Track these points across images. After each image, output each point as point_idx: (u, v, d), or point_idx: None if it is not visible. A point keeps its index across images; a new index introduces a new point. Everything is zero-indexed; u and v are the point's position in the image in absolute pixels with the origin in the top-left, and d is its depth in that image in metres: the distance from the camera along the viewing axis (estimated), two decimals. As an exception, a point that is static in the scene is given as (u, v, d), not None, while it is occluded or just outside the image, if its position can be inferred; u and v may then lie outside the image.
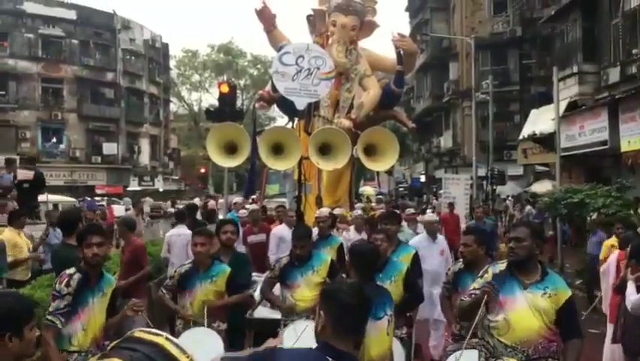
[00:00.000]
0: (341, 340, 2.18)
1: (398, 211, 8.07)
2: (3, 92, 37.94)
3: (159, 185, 45.96)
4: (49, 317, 3.69)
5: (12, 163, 12.06)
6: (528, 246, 3.45)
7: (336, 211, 8.15)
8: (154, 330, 1.44)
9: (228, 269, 4.96)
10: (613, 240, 7.69)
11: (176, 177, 51.69)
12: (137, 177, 43.84)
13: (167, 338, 1.40)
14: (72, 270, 3.88)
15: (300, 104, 7.09)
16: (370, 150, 7.68)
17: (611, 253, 6.77)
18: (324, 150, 7.37)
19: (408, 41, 10.46)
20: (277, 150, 7.21)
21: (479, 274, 3.72)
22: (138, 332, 1.41)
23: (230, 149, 7.24)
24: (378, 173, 25.42)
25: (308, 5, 11.38)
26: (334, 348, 2.16)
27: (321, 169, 8.98)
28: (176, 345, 1.39)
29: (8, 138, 37.87)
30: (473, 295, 3.59)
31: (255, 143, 8.47)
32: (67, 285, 3.78)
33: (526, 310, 3.39)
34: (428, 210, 20.71)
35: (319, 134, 7.56)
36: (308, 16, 11.37)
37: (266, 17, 10.28)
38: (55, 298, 3.76)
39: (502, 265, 3.58)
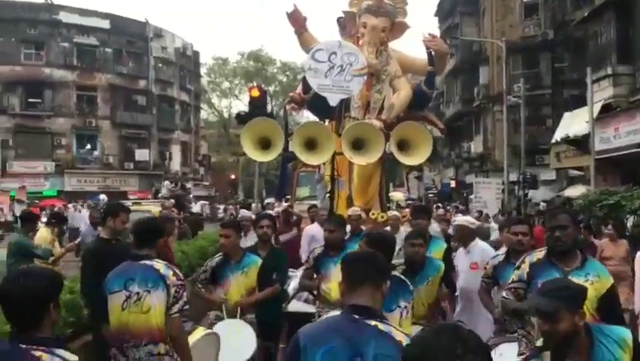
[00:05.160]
0: (357, 295, 2.25)
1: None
2: (39, 100, 38.90)
3: (190, 191, 46.47)
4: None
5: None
6: (572, 233, 3.42)
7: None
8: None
9: (259, 260, 5.02)
10: None
11: (207, 183, 52.22)
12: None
13: None
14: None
15: (333, 100, 7.13)
16: (403, 145, 7.68)
17: None
18: (357, 145, 7.40)
19: (439, 41, 10.38)
20: (310, 145, 7.27)
21: (516, 265, 3.68)
22: None
23: (264, 144, 7.32)
24: (407, 178, 25.29)
25: (338, 8, 11.41)
26: (355, 305, 2.22)
27: (352, 169, 9.00)
28: None
29: (44, 145, 38.84)
30: (513, 290, 3.57)
31: (287, 145, 8.53)
32: None
33: None
34: (459, 215, 20.60)
35: (352, 130, 7.60)
36: (338, 19, 11.38)
37: (297, 20, 10.32)
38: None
39: (539, 254, 3.54)
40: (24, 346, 2.10)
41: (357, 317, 2.17)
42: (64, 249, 8.09)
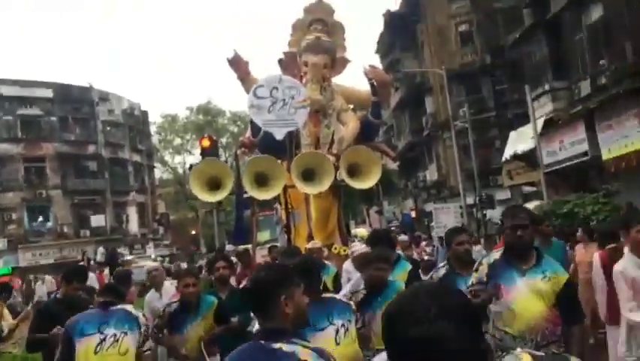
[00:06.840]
0: (263, 319, 2.32)
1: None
2: (-15, 177, 37.82)
3: (150, 252, 45.43)
4: None
5: None
6: (530, 232, 3.46)
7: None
8: None
9: (215, 300, 4.97)
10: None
11: (167, 242, 51.22)
12: (127, 247, 43.34)
13: None
14: None
15: (280, 134, 7.16)
16: (354, 171, 7.73)
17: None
18: (308, 175, 7.41)
19: (379, 72, 10.65)
20: (261, 180, 7.25)
21: (474, 267, 3.67)
22: None
23: (214, 185, 7.27)
24: (368, 214, 25.29)
25: (278, 50, 11.57)
26: (262, 329, 2.27)
27: (309, 204, 8.99)
28: None
29: (-6, 221, 37.59)
30: (473, 292, 3.55)
31: (240, 190, 8.48)
32: None
33: (528, 297, 3.34)
34: (422, 243, 20.69)
35: (302, 159, 7.63)
36: (279, 60, 11.54)
37: (239, 65, 10.42)
38: None
39: (496, 255, 3.56)
40: None
41: (262, 342, 2.19)
42: (17, 318, 7.73)
